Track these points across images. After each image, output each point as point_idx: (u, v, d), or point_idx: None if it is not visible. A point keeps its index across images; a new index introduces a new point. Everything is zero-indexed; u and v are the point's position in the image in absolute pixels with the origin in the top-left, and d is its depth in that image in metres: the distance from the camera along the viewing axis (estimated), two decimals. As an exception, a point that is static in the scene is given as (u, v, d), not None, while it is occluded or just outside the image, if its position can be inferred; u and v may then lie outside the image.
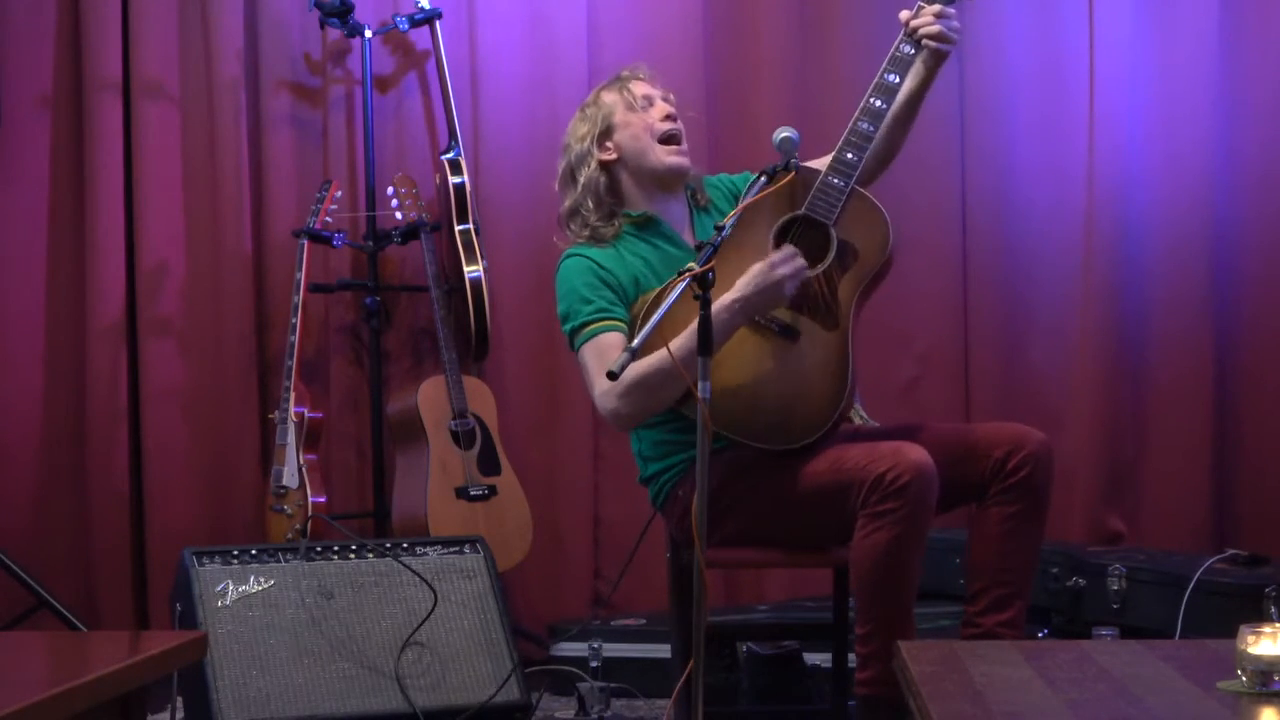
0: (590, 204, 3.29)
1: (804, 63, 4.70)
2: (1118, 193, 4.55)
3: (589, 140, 3.32)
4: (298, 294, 4.49)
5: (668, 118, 3.31)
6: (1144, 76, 4.56)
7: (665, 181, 3.31)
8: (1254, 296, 4.54)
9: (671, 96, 3.37)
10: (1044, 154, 4.64)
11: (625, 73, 3.39)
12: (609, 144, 3.31)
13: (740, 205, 3.05)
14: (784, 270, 3.04)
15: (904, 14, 3.17)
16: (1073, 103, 4.60)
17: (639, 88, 3.34)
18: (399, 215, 4.54)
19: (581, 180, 3.31)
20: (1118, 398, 4.56)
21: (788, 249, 3.07)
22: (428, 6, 4.59)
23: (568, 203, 3.34)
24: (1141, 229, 4.57)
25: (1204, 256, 4.51)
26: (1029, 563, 3.14)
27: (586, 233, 3.30)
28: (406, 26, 4.59)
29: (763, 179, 3.08)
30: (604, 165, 3.31)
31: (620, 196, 3.32)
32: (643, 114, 3.30)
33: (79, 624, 4.09)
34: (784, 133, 3.11)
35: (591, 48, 4.73)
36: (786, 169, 3.09)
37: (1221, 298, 4.54)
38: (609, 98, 3.35)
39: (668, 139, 3.29)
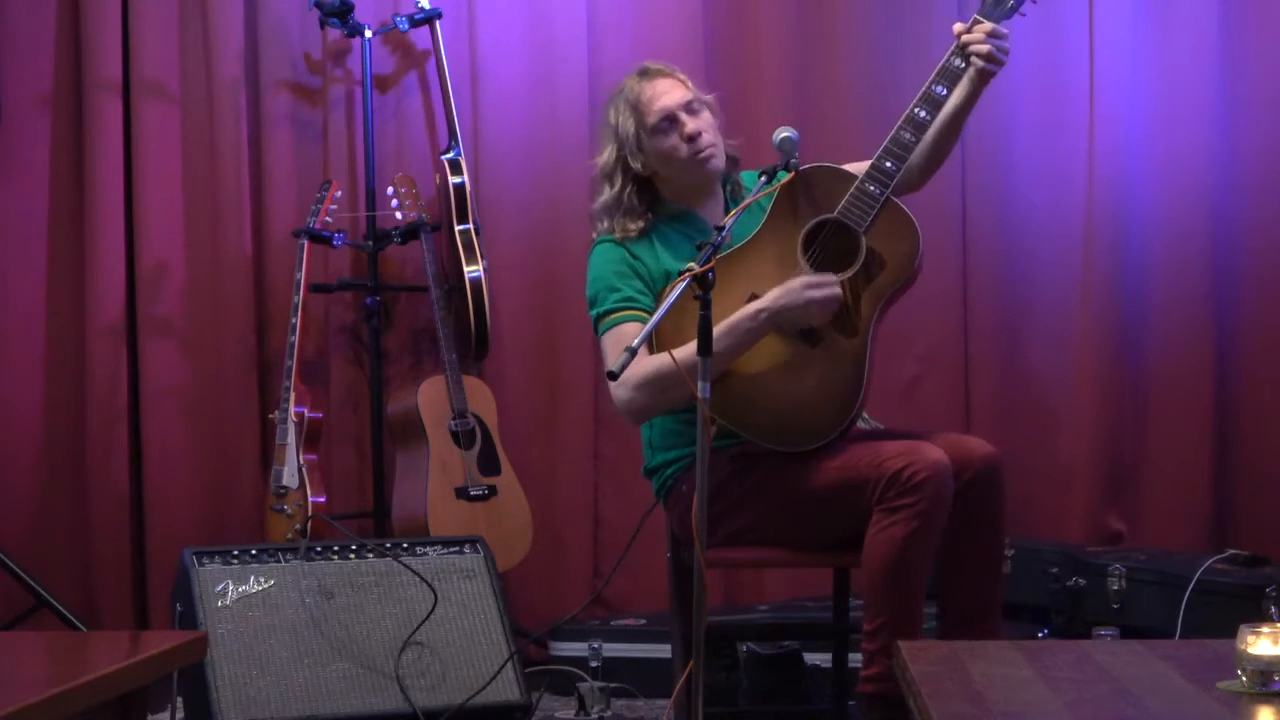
0: (621, 211, 3.24)
1: (804, 63, 4.69)
2: (1118, 193, 4.55)
3: (620, 154, 3.23)
4: (298, 294, 4.49)
5: (689, 138, 3.20)
6: (1144, 77, 4.56)
7: (699, 185, 3.27)
8: (1254, 296, 4.54)
9: (691, 98, 3.24)
10: (1044, 154, 4.64)
11: (638, 90, 3.25)
12: (639, 158, 3.23)
13: (740, 206, 3.06)
14: (815, 294, 3.03)
15: (957, 26, 3.12)
16: (1073, 103, 4.60)
17: (658, 101, 3.22)
18: (399, 215, 4.54)
19: (616, 186, 3.24)
20: (1118, 398, 4.56)
21: (830, 278, 3.04)
22: (428, 6, 4.59)
23: (602, 199, 3.27)
24: (1141, 229, 4.57)
25: (1204, 256, 4.52)
26: (995, 584, 3.16)
27: (621, 234, 3.23)
28: (406, 26, 4.58)
29: (762, 179, 3.08)
30: (637, 176, 3.24)
31: (656, 197, 3.27)
32: (665, 137, 3.21)
33: (79, 624, 4.09)
34: (784, 133, 3.11)
35: (591, 48, 4.72)
36: (786, 169, 3.09)
37: (1221, 298, 4.54)
38: (628, 113, 3.24)
39: (695, 149, 3.22)
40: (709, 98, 3.30)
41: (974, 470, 3.07)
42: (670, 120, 3.22)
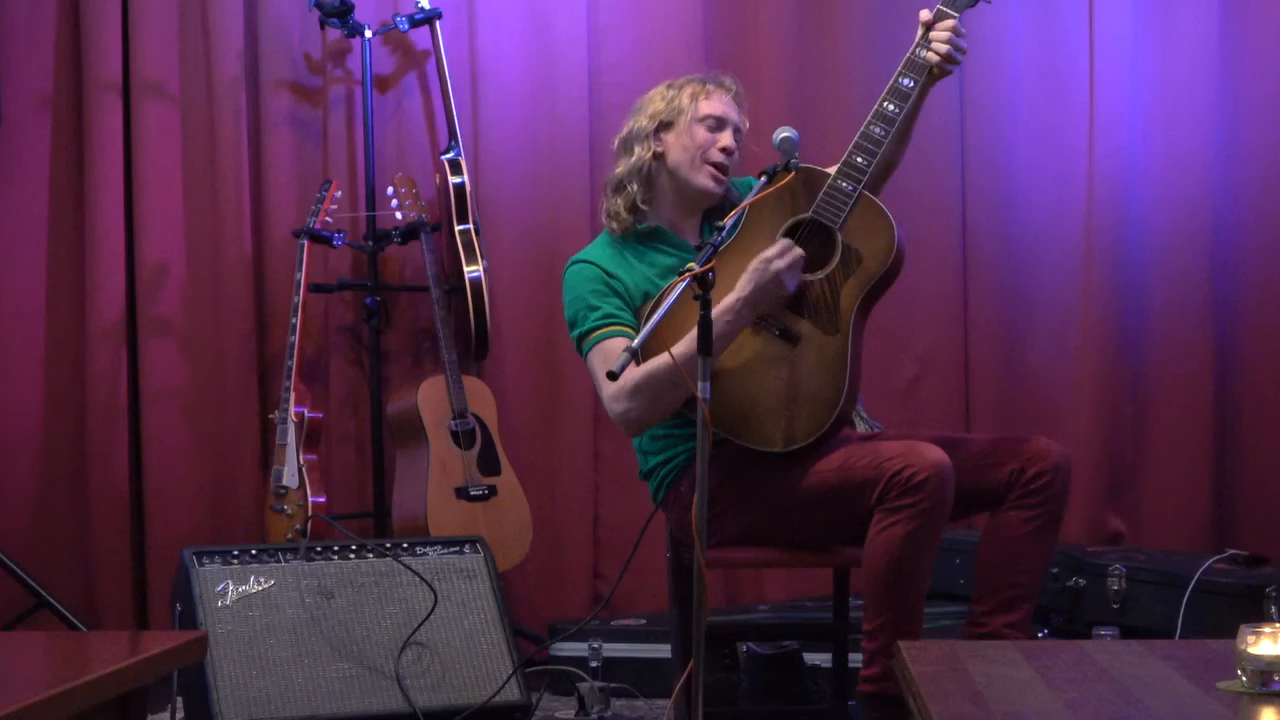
0: (635, 185, 3.28)
1: (804, 62, 4.69)
2: (1118, 193, 4.55)
3: (654, 122, 3.29)
4: (298, 294, 4.49)
5: (725, 150, 3.26)
6: (1144, 77, 4.56)
7: (692, 198, 3.30)
8: (1254, 296, 4.54)
9: (745, 126, 3.33)
10: (1044, 154, 4.64)
11: (722, 80, 3.33)
12: (664, 137, 3.29)
13: (741, 206, 3.06)
14: (779, 264, 3.04)
15: (924, 14, 3.15)
16: (1073, 103, 4.60)
17: (719, 105, 3.28)
18: (399, 215, 4.54)
19: (635, 155, 3.29)
20: (1118, 398, 4.56)
21: (782, 242, 3.06)
22: (428, 6, 4.59)
23: (618, 170, 3.32)
24: (1141, 229, 4.57)
25: (1204, 256, 4.52)
26: (1040, 569, 3.14)
27: (627, 215, 3.27)
28: (406, 26, 4.59)
29: (763, 179, 3.08)
30: (655, 154, 3.29)
31: (653, 191, 3.30)
32: (707, 133, 3.26)
33: (79, 624, 4.09)
34: (784, 133, 3.11)
35: (591, 48, 4.73)
36: (787, 169, 3.09)
37: (1221, 298, 4.54)
38: (688, 96, 3.29)
39: (719, 160, 3.27)
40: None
41: (1044, 464, 3.08)
42: (720, 123, 3.27)
